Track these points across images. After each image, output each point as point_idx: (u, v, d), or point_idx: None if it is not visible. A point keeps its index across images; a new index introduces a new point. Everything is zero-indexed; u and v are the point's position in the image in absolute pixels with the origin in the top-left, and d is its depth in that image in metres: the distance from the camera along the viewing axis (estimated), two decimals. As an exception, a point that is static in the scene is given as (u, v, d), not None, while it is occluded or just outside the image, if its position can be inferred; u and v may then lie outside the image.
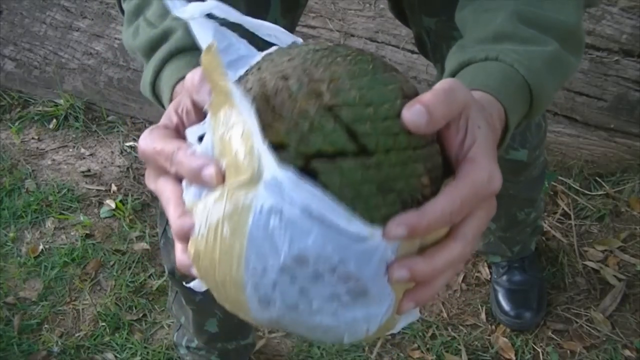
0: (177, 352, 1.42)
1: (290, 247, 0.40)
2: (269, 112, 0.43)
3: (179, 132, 0.48)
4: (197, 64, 0.52)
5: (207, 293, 0.62)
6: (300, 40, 0.52)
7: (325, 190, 0.41)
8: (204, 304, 1.19)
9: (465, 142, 0.47)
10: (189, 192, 0.45)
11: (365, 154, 0.43)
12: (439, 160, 0.47)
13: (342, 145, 0.42)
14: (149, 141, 0.47)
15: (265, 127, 0.42)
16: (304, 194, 0.39)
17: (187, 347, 1.36)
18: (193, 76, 0.48)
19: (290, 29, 0.99)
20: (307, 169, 0.42)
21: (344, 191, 0.42)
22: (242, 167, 0.41)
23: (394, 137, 0.43)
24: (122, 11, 0.74)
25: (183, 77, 0.57)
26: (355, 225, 0.41)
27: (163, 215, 1.11)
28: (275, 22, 0.84)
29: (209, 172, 0.42)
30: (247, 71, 0.48)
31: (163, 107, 0.63)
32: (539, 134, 1.20)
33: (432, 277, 0.44)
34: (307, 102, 0.43)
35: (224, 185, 0.42)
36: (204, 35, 0.47)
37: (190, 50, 0.62)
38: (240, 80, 0.47)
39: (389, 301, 0.44)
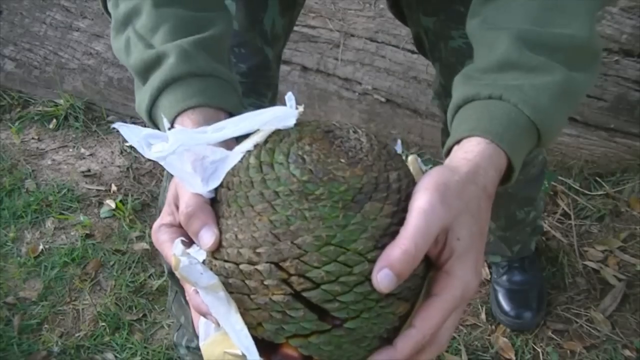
0: (177, 352, 1.42)
1: None
2: (246, 297, 0.49)
3: (181, 229, 0.55)
4: (192, 93, 0.60)
5: None
6: (263, 114, 0.54)
7: (306, 357, 0.50)
8: None
9: (443, 255, 0.50)
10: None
11: (339, 323, 0.48)
12: (418, 269, 0.50)
13: (313, 327, 0.48)
14: (159, 244, 0.57)
15: (245, 312, 0.49)
16: None
17: (187, 347, 1.36)
18: (184, 198, 0.53)
19: (289, 28, 0.99)
20: (286, 343, 0.49)
21: (323, 356, 0.49)
22: (234, 346, 0.50)
23: (364, 301, 0.48)
24: (107, 11, 0.74)
25: (182, 111, 0.62)
26: None
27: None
28: (273, 22, 0.84)
29: (211, 319, 0.52)
30: (223, 187, 0.53)
31: (158, 129, 0.65)
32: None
33: None
34: (277, 292, 0.48)
35: (222, 335, 0.52)
36: (177, 169, 0.52)
37: (185, 78, 0.63)
38: (217, 210, 0.53)
39: None
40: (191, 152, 0.52)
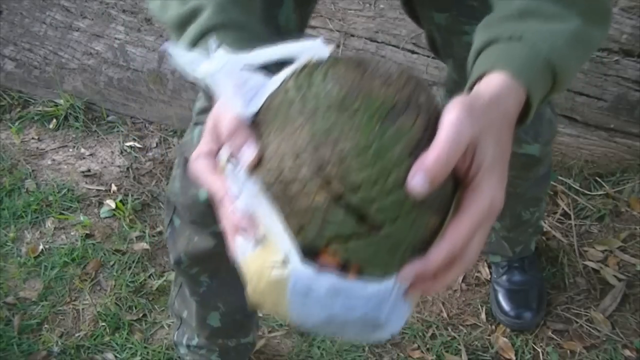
0: (177, 352, 1.43)
1: (322, 313, 0.53)
2: (288, 201, 0.51)
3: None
4: (227, 44, 0.60)
5: (210, 285, 0.85)
6: (309, 43, 0.58)
7: (346, 263, 0.51)
8: (208, 296, 1.19)
9: (470, 171, 0.53)
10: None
11: (376, 229, 0.51)
12: (448, 185, 0.53)
13: (353, 230, 0.51)
14: (197, 172, 0.58)
15: (287, 216, 0.51)
16: (324, 280, 0.51)
17: (188, 346, 1.36)
18: (226, 120, 0.55)
19: (301, 25, 0.99)
20: (326, 249, 0.51)
21: (360, 261, 0.51)
22: (272, 246, 0.52)
23: (400, 206, 0.51)
24: None
25: None
26: (371, 288, 0.52)
27: (170, 204, 1.10)
28: (287, 18, 0.85)
29: (251, 234, 0.53)
30: (262, 111, 0.55)
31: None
32: (551, 129, 1.20)
33: (441, 288, 0.56)
34: (319, 195, 0.50)
35: (260, 247, 0.53)
36: (221, 90, 0.56)
37: (219, 29, 0.65)
38: (254, 121, 0.55)
39: (407, 314, 0.56)
40: (234, 76, 0.56)
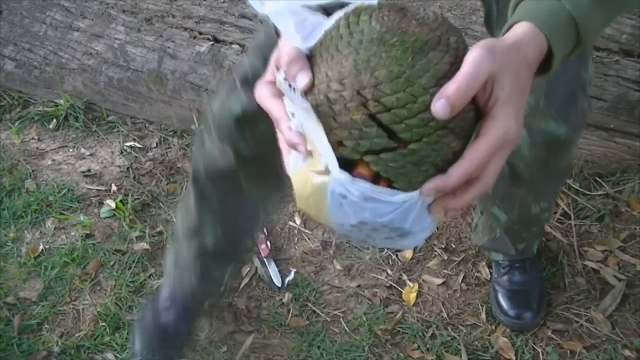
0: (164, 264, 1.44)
1: (355, 217, 0.61)
2: (331, 118, 0.61)
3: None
4: None
5: (216, 209, 1.13)
6: None
7: (377, 176, 0.61)
8: (208, 217, 1.27)
9: (490, 102, 0.60)
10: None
11: (403, 145, 0.60)
12: (470, 115, 0.61)
13: (384, 144, 0.60)
14: (261, 97, 0.67)
15: (330, 132, 0.61)
16: (357, 186, 0.60)
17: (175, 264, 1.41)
18: (285, 51, 0.64)
19: None
20: (361, 161, 0.61)
21: (389, 174, 0.61)
22: (317, 159, 0.62)
23: (425, 126, 0.59)
24: None
25: None
26: (397, 197, 0.60)
27: (205, 121, 1.19)
28: None
29: (301, 149, 0.62)
30: (317, 45, 0.65)
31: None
32: (583, 116, 1.20)
33: (461, 205, 0.63)
34: (357, 112, 0.60)
35: (307, 160, 0.63)
36: (283, 25, 0.65)
37: None
38: (312, 57, 0.65)
39: (430, 227, 0.64)
40: (295, 15, 0.65)
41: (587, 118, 1.23)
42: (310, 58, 0.65)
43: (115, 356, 1.51)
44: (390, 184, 0.61)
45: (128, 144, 2.06)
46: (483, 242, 1.54)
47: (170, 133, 2.08)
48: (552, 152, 1.21)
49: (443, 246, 1.67)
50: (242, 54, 1.55)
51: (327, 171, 0.61)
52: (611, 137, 1.74)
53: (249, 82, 1.07)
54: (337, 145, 0.61)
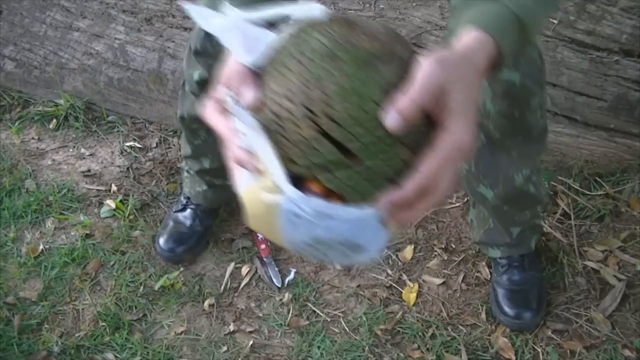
0: (181, 178, 1.75)
1: (309, 235, 0.60)
2: (281, 136, 0.60)
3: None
4: (237, 3, 0.71)
5: (206, 139, 1.42)
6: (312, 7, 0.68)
7: (329, 192, 0.60)
8: (201, 147, 1.52)
9: (442, 113, 0.61)
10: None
11: (358, 161, 0.59)
12: (421, 127, 0.61)
13: (337, 161, 0.59)
14: (209, 115, 0.68)
15: (280, 149, 0.60)
16: (310, 203, 0.58)
17: (187, 171, 1.68)
18: (229, 66, 0.66)
19: None
20: (313, 178, 0.60)
21: (343, 191, 0.60)
22: (268, 177, 0.60)
23: (379, 142, 0.59)
24: None
25: None
26: (352, 212, 0.59)
27: (188, 68, 1.37)
28: None
29: (250, 167, 0.62)
30: (265, 61, 0.64)
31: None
32: (534, 64, 1.21)
33: (415, 217, 0.64)
34: (307, 129, 0.59)
35: (258, 179, 0.62)
36: (228, 41, 0.66)
37: None
38: (261, 77, 0.64)
39: (384, 240, 0.64)
40: (239, 30, 0.66)
41: (545, 74, 1.26)
42: (258, 75, 0.64)
43: (115, 356, 1.51)
44: (342, 200, 0.60)
45: (128, 144, 2.06)
46: (480, 237, 1.53)
47: (170, 133, 2.08)
48: (513, 103, 1.22)
49: (443, 246, 1.67)
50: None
51: (278, 189, 0.59)
52: (611, 137, 1.74)
53: (200, 54, 1.29)
54: (288, 162, 0.60)
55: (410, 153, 0.61)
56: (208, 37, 1.27)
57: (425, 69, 0.60)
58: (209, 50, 1.29)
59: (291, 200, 0.59)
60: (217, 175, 1.61)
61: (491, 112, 1.22)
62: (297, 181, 0.60)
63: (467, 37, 0.67)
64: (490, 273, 1.58)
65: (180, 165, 1.72)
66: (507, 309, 1.49)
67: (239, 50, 0.65)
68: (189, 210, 1.72)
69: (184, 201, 1.73)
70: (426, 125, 0.62)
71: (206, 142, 1.52)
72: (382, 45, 0.62)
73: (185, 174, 1.71)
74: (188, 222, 1.70)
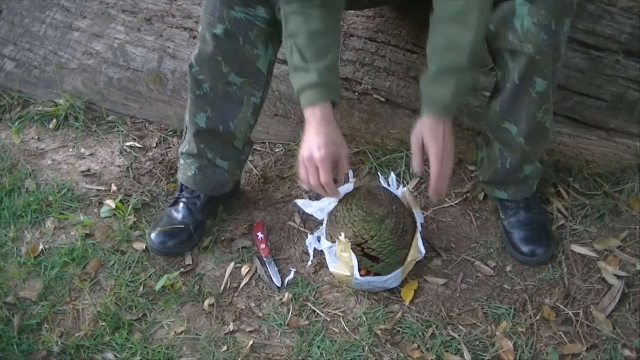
0: (179, 163, 1.75)
1: (365, 287, 1.58)
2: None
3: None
4: (318, 95, 1.36)
5: (207, 93, 1.57)
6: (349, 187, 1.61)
7: (373, 277, 1.56)
8: (202, 99, 1.58)
9: (428, 152, 1.32)
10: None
11: (380, 262, 1.52)
12: (409, 235, 1.54)
13: (370, 265, 1.53)
14: (324, 161, 1.38)
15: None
16: (364, 279, 1.54)
17: (182, 154, 1.72)
18: (326, 158, 1.37)
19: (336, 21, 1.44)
20: (364, 269, 1.54)
21: (378, 271, 1.55)
22: (345, 267, 1.52)
23: (390, 249, 1.50)
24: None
25: (314, 103, 1.36)
26: (388, 280, 1.54)
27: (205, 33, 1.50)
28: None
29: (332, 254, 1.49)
30: (326, 229, 1.61)
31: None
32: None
33: (449, 177, 1.38)
34: (359, 253, 1.50)
35: (341, 268, 1.56)
36: (316, 214, 1.64)
37: (318, 86, 1.36)
38: (328, 231, 1.60)
39: (399, 279, 1.58)
40: (322, 206, 1.62)
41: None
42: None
43: (115, 356, 1.51)
44: (379, 275, 1.54)
45: (128, 144, 2.06)
46: (489, 176, 1.64)
47: (170, 133, 2.08)
48: (504, 20, 1.36)
49: (443, 246, 1.67)
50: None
51: (352, 274, 1.51)
52: (611, 137, 1.74)
53: None
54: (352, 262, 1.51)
55: (405, 249, 1.52)
56: None
57: (416, 136, 1.34)
58: None
59: (356, 277, 1.51)
60: (210, 142, 1.64)
61: (530, 29, 1.31)
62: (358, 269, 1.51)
63: (429, 121, 1.32)
64: (500, 218, 1.68)
65: (179, 150, 1.75)
66: (523, 249, 1.61)
67: (319, 214, 1.62)
68: (181, 204, 1.74)
69: (177, 194, 1.76)
70: (412, 219, 1.55)
71: (207, 95, 1.56)
72: (386, 207, 1.51)
73: (181, 161, 1.73)
74: (180, 217, 1.72)
